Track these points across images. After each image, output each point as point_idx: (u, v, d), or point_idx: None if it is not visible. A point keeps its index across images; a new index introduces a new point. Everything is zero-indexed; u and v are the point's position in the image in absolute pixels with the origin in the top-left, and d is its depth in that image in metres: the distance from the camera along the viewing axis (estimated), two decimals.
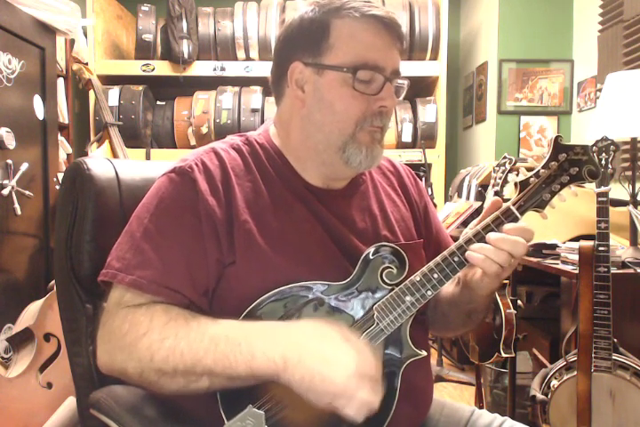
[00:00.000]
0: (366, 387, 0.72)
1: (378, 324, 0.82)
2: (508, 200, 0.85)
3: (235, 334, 0.75)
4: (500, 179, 1.88)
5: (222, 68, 3.48)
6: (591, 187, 1.50)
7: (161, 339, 0.75)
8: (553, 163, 0.82)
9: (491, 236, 0.80)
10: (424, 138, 3.39)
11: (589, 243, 1.49)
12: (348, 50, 0.84)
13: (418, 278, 0.81)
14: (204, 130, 3.38)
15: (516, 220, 0.81)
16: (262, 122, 3.36)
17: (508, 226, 0.80)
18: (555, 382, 1.52)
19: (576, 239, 1.84)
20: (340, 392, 0.71)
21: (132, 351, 0.76)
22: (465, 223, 2.62)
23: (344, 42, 0.84)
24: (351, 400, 0.71)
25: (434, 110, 3.46)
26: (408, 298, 0.81)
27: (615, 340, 1.46)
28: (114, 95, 3.37)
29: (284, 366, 0.72)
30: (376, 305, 0.82)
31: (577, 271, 1.53)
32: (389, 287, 0.83)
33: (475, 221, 0.86)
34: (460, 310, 0.95)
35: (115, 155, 2.86)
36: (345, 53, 0.84)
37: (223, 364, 0.73)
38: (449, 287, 0.95)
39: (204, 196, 0.82)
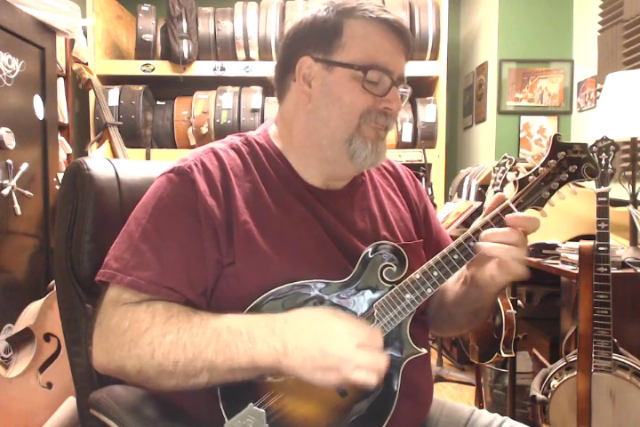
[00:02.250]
0: (366, 347, 0.73)
1: (378, 321, 0.82)
2: None
3: (236, 325, 0.75)
4: (500, 179, 1.88)
5: (222, 68, 3.48)
6: (591, 187, 1.50)
7: (163, 334, 0.75)
8: (552, 161, 0.82)
9: (483, 233, 0.81)
10: (424, 138, 3.39)
11: (589, 243, 1.49)
12: (360, 49, 0.85)
13: (417, 276, 0.82)
14: (204, 130, 3.38)
15: None
16: (262, 122, 3.36)
17: (509, 216, 0.81)
18: (555, 382, 1.52)
19: (576, 239, 1.84)
20: (342, 362, 0.72)
21: (132, 348, 0.76)
22: (465, 223, 2.62)
23: (356, 41, 0.85)
24: (357, 367, 0.72)
25: (434, 110, 3.46)
26: (408, 296, 0.81)
27: (615, 340, 1.46)
28: (114, 95, 3.37)
29: (284, 352, 0.73)
30: (376, 303, 0.82)
31: (577, 271, 1.53)
32: (389, 285, 0.83)
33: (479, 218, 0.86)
34: (467, 310, 0.95)
35: (115, 155, 2.86)
36: (356, 52, 0.85)
37: (224, 355, 0.73)
38: (455, 287, 0.95)
39: (203, 196, 0.82)
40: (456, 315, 0.98)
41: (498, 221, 0.81)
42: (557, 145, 0.82)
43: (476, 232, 0.82)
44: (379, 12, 0.86)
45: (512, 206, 0.81)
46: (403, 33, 0.87)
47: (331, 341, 0.73)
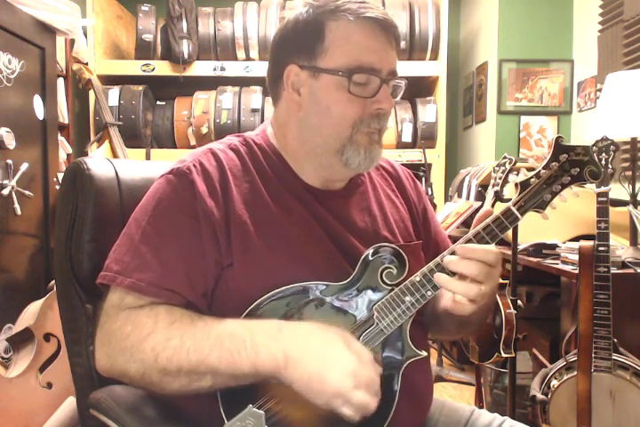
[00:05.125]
0: (363, 389, 0.73)
1: (377, 324, 0.81)
2: (508, 200, 0.85)
3: (240, 332, 0.75)
4: (499, 179, 1.88)
5: (222, 68, 3.48)
6: (591, 187, 1.50)
7: (166, 339, 0.75)
8: (554, 163, 0.82)
9: (449, 263, 0.79)
10: (424, 138, 3.39)
11: (589, 243, 1.49)
12: (343, 53, 0.84)
13: (418, 279, 0.81)
14: (204, 130, 3.38)
15: (516, 220, 0.81)
16: (262, 122, 3.36)
17: (466, 247, 0.79)
18: (555, 382, 1.52)
19: (576, 239, 1.84)
20: (335, 393, 0.72)
21: (135, 353, 0.76)
22: (465, 223, 2.62)
23: (339, 45, 0.84)
24: (347, 401, 0.72)
25: (434, 110, 3.46)
26: (408, 298, 0.81)
27: (615, 340, 1.46)
28: (114, 95, 3.37)
29: (286, 364, 0.73)
30: (376, 305, 0.82)
31: (577, 271, 1.53)
32: (389, 288, 0.83)
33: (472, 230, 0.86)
34: (454, 320, 0.94)
35: (115, 155, 2.86)
36: (340, 57, 0.84)
37: (227, 361, 0.74)
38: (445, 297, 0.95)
39: (202, 197, 0.82)
40: (443, 323, 0.98)
41: (499, 224, 0.81)
42: (560, 147, 0.82)
43: (477, 234, 0.81)
44: (360, 10, 0.84)
45: (513, 209, 0.81)
46: (387, 27, 0.85)
47: (332, 369, 0.73)
